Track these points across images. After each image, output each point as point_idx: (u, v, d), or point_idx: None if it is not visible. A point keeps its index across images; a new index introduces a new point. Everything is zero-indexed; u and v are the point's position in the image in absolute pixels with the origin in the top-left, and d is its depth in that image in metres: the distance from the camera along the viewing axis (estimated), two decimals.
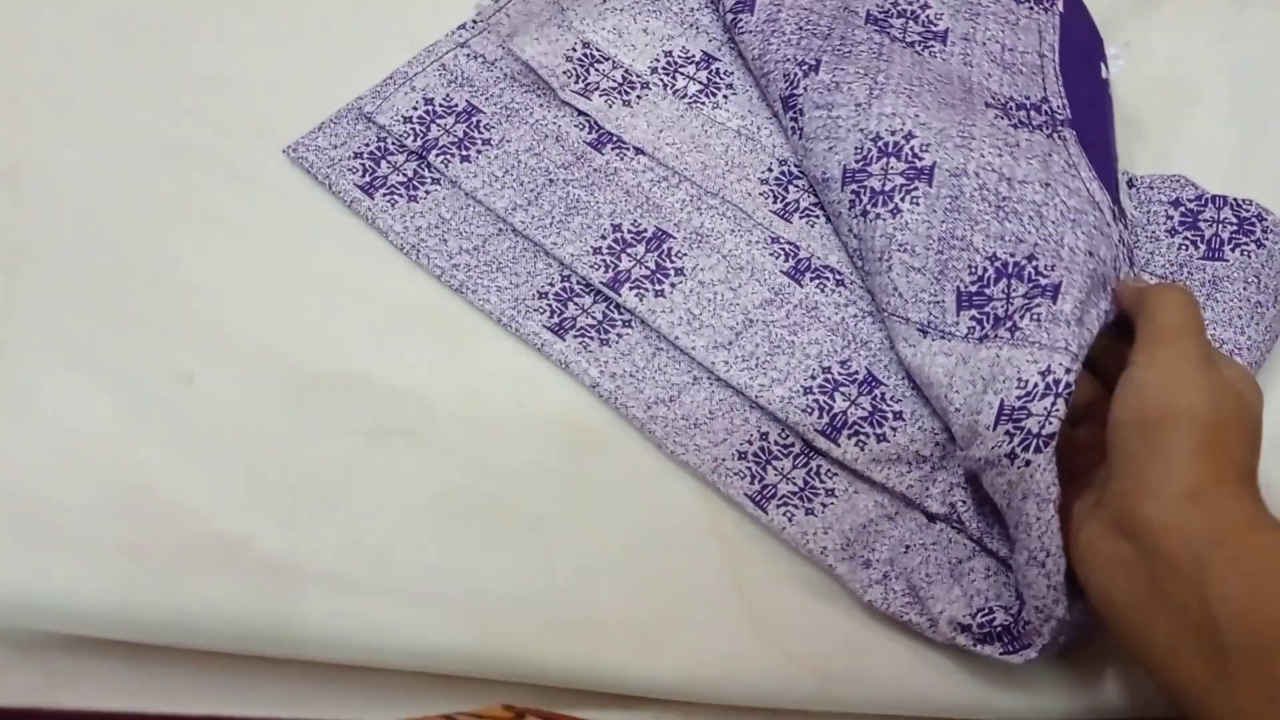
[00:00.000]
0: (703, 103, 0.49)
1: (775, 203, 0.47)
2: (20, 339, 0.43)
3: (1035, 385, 0.35)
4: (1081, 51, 0.49)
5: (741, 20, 0.49)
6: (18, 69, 0.51)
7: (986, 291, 0.39)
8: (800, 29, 0.47)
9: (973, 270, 0.40)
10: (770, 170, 0.47)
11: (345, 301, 0.45)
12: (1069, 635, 0.35)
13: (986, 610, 0.36)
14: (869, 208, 0.42)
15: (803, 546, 0.39)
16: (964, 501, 0.39)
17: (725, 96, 0.50)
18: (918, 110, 0.43)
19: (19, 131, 0.49)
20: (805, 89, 0.45)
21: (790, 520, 0.39)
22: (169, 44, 0.52)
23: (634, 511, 0.41)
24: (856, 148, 0.43)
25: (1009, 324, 0.38)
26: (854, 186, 0.43)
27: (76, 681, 0.38)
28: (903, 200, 0.42)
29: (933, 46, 0.48)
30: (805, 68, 0.46)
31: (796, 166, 0.48)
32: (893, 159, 0.42)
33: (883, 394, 0.42)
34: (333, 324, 0.44)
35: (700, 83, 0.50)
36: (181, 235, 0.46)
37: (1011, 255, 0.39)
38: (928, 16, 0.49)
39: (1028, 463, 0.34)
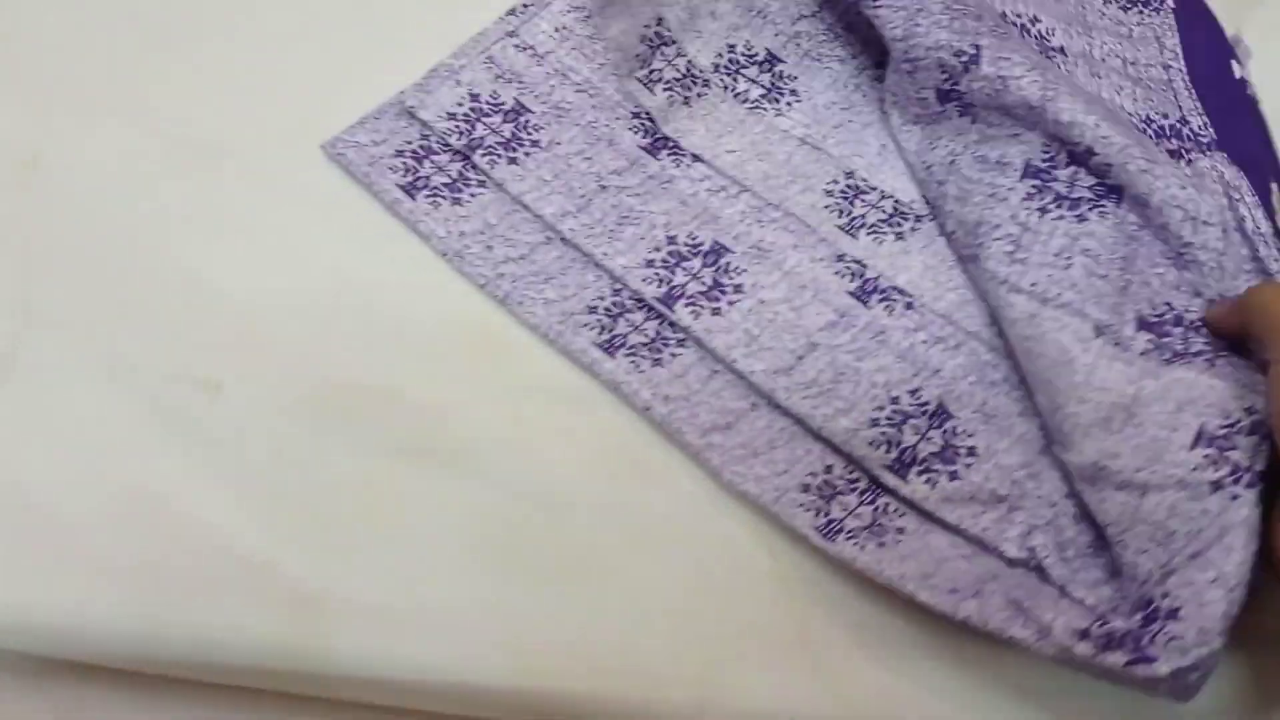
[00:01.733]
0: (764, 108, 0.47)
1: (841, 217, 0.44)
2: (36, 341, 0.41)
3: (1240, 420, 0.34)
4: (1206, 52, 0.46)
5: None
6: (44, 57, 0.48)
7: (1167, 329, 0.37)
8: (948, 8, 0.42)
9: (1153, 307, 0.37)
10: (836, 182, 0.45)
11: (381, 310, 0.42)
12: (1200, 675, 0.32)
13: (1100, 619, 0.33)
14: (1050, 206, 0.40)
15: (879, 575, 0.35)
16: (1044, 545, 0.36)
17: (789, 103, 0.47)
18: (1097, 120, 0.40)
19: (41, 121, 0.46)
20: (969, 85, 0.42)
21: (862, 550, 0.36)
22: (200, 36, 0.49)
23: (687, 548, 0.38)
24: (1044, 146, 0.41)
25: (1201, 357, 0.36)
26: (1036, 182, 0.40)
27: (85, 715, 0.35)
28: (1090, 212, 0.39)
29: (1054, 58, 0.45)
30: (964, 59, 0.42)
31: (863, 179, 0.45)
32: (1081, 170, 0.40)
33: (955, 427, 0.39)
34: (367, 334, 0.41)
35: (763, 87, 0.47)
36: (208, 236, 0.43)
37: (1187, 309, 0.37)
38: (1039, 30, 0.46)
39: (1235, 496, 0.32)
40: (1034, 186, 0.40)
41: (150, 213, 0.44)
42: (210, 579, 0.36)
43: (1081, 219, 0.39)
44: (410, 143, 0.44)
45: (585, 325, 0.41)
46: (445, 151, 0.44)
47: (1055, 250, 0.39)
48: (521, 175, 0.43)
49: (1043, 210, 0.40)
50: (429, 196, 0.43)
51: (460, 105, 0.45)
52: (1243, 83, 0.44)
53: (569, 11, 0.46)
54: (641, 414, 0.40)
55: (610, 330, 0.41)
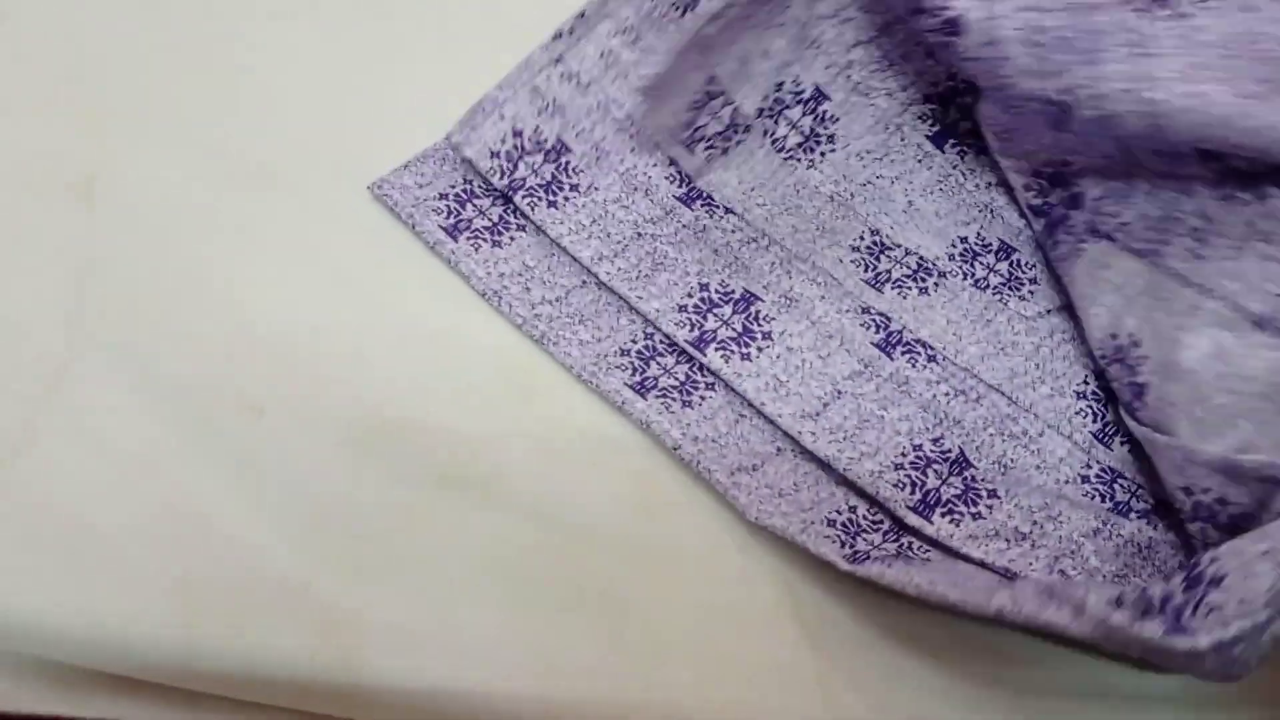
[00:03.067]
0: (798, 159, 0.48)
1: (866, 271, 0.45)
2: (84, 358, 0.42)
3: None
4: None
5: None
6: (99, 80, 0.50)
7: None
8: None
9: None
10: (862, 239, 0.46)
11: (421, 345, 0.43)
12: (1248, 651, 0.29)
13: (1135, 588, 0.32)
14: (1234, 193, 0.39)
15: (909, 584, 0.35)
16: (1074, 568, 0.37)
17: (823, 154, 0.48)
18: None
19: (96, 143, 0.48)
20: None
21: (889, 567, 0.36)
22: (258, 66, 0.51)
23: (710, 585, 0.39)
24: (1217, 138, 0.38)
25: None
26: (1218, 165, 0.39)
27: None
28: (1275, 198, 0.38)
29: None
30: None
31: (889, 237, 0.46)
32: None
33: (974, 475, 0.40)
34: (407, 367, 0.43)
35: (802, 134, 0.49)
36: (257, 263, 0.45)
37: None
38: None
39: None
40: (1217, 172, 0.39)
41: (201, 237, 0.45)
42: (247, 598, 0.37)
43: (1264, 197, 0.37)
44: (454, 186, 0.46)
45: (618, 367, 0.42)
46: (487, 195, 0.46)
47: (1233, 240, 0.38)
48: (560, 219, 0.45)
49: (1226, 197, 0.38)
50: (470, 239, 0.45)
51: (503, 143, 0.46)
52: None
53: (615, 35, 0.46)
54: (671, 453, 0.41)
55: (642, 372, 0.42)
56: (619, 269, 0.44)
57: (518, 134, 0.47)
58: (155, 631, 0.36)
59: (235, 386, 0.42)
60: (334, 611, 0.37)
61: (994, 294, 0.46)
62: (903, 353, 0.43)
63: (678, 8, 0.44)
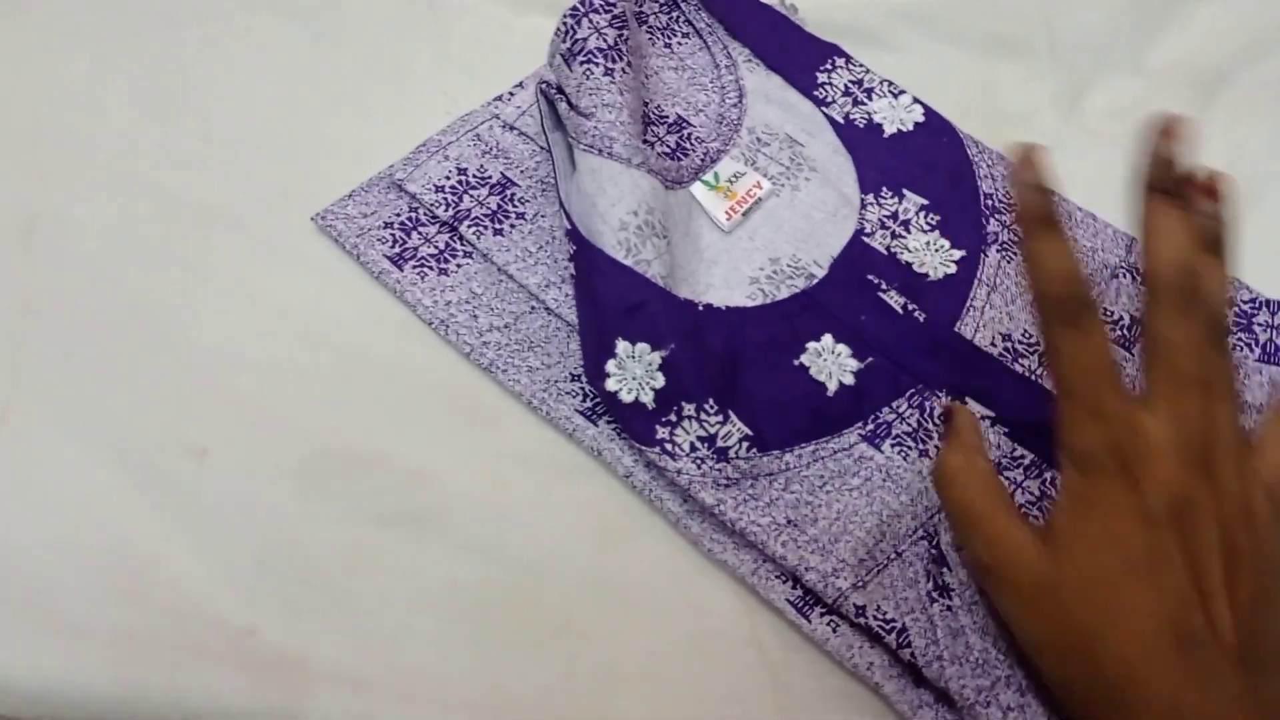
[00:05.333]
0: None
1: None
2: (25, 402, 0.41)
3: None
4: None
5: None
6: (41, 122, 0.49)
7: None
8: None
9: None
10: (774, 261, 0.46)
11: (368, 378, 0.43)
12: None
13: None
14: None
15: (847, 661, 0.36)
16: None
17: (806, 178, 0.48)
18: None
19: (39, 185, 0.47)
20: None
21: (834, 631, 0.36)
22: (197, 104, 0.50)
23: (666, 614, 0.38)
24: None
25: None
26: None
27: None
28: None
29: None
30: None
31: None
32: None
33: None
34: (354, 401, 0.42)
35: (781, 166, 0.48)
36: (200, 301, 0.44)
37: None
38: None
39: None
40: None
41: (143, 277, 0.45)
42: (191, 643, 0.36)
43: None
44: (399, 215, 0.46)
45: (568, 393, 0.41)
46: (433, 223, 0.45)
47: None
48: (507, 246, 0.44)
49: None
50: (416, 267, 0.44)
51: (448, 179, 0.46)
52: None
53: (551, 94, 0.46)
54: (623, 481, 0.40)
55: (593, 398, 0.41)
56: (566, 295, 0.43)
57: (462, 171, 0.46)
58: (97, 679, 0.36)
59: (178, 428, 0.41)
60: (278, 654, 0.36)
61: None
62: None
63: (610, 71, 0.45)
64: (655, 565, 0.39)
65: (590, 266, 0.41)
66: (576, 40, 0.45)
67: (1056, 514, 0.32)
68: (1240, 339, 0.43)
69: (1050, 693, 0.34)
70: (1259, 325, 0.43)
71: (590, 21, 0.45)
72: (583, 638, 0.37)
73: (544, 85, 0.45)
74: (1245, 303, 0.44)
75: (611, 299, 0.41)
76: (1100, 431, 0.32)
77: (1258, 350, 0.42)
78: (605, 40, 0.45)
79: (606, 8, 0.45)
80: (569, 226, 0.42)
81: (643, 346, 0.40)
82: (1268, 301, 0.44)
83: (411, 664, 0.37)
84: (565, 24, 0.45)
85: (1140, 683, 0.29)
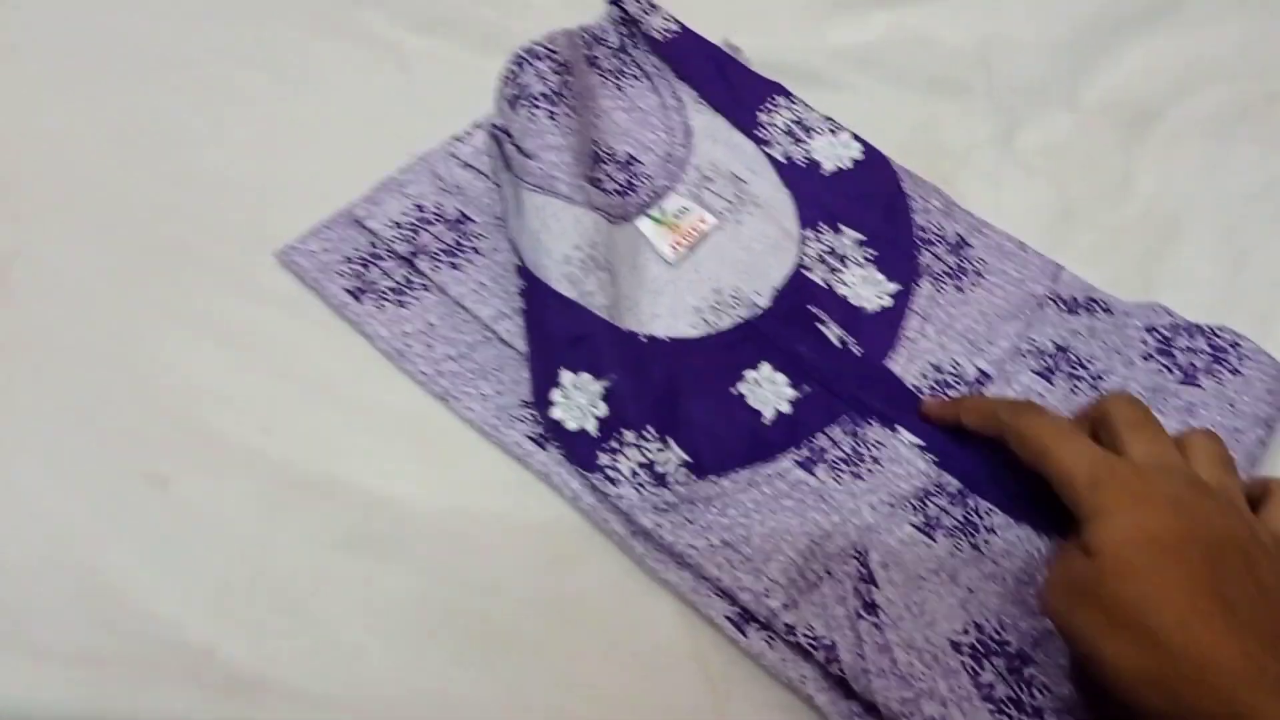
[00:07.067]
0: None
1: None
2: None
3: None
4: None
5: None
6: (16, 162, 0.51)
7: None
8: None
9: None
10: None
11: (329, 407, 0.44)
12: None
13: None
14: None
15: (782, 674, 0.38)
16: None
17: (750, 213, 0.49)
18: None
19: (13, 225, 0.49)
20: None
21: (770, 646, 0.38)
22: (168, 144, 0.52)
23: (613, 631, 0.39)
24: None
25: None
26: None
27: None
28: None
29: None
30: None
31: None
32: None
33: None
34: (315, 430, 0.44)
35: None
36: (168, 337, 0.46)
37: None
38: None
39: None
40: None
41: (114, 315, 0.46)
42: (153, 664, 0.38)
43: None
44: (359, 250, 0.47)
45: (519, 419, 0.43)
46: (391, 258, 0.47)
47: None
48: (462, 279, 0.46)
49: None
50: (374, 300, 0.46)
51: (406, 215, 0.48)
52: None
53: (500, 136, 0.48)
54: (570, 503, 0.42)
55: (543, 424, 0.43)
56: (519, 325, 0.45)
57: (420, 208, 0.48)
58: (61, 701, 0.37)
59: (142, 459, 0.42)
60: (238, 674, 0.38)
61: None
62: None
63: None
64: (603, 584, 0.41)
65: (537, 300, 0.43)
66: (521, 85, 0.47)
67: (1090, 537, 0.33)
68: (1161, 363, 0.45)
69: (967, 707, 0.36)
70: (1178, 350, 0.45)
71: (534, 68, 0.47)
72: (534, 655, 0.39)
73: (493, 128, 0.47)
74: (1165, 327, 0.45)
75: (557, 331, 0.42)
76: (1093, 451, 0.35)
77: (1178, 373, 0.44)
78: (549, 85, 0.47)
79: (549, 54, 0.48)
80: (518, 262, 0.44)
81: (586, 376, 0.42)
82: (1187, 326, 0.45)
83: (369, 682, 0.38)
84: (510, 70, 0.47)
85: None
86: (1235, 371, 0.44)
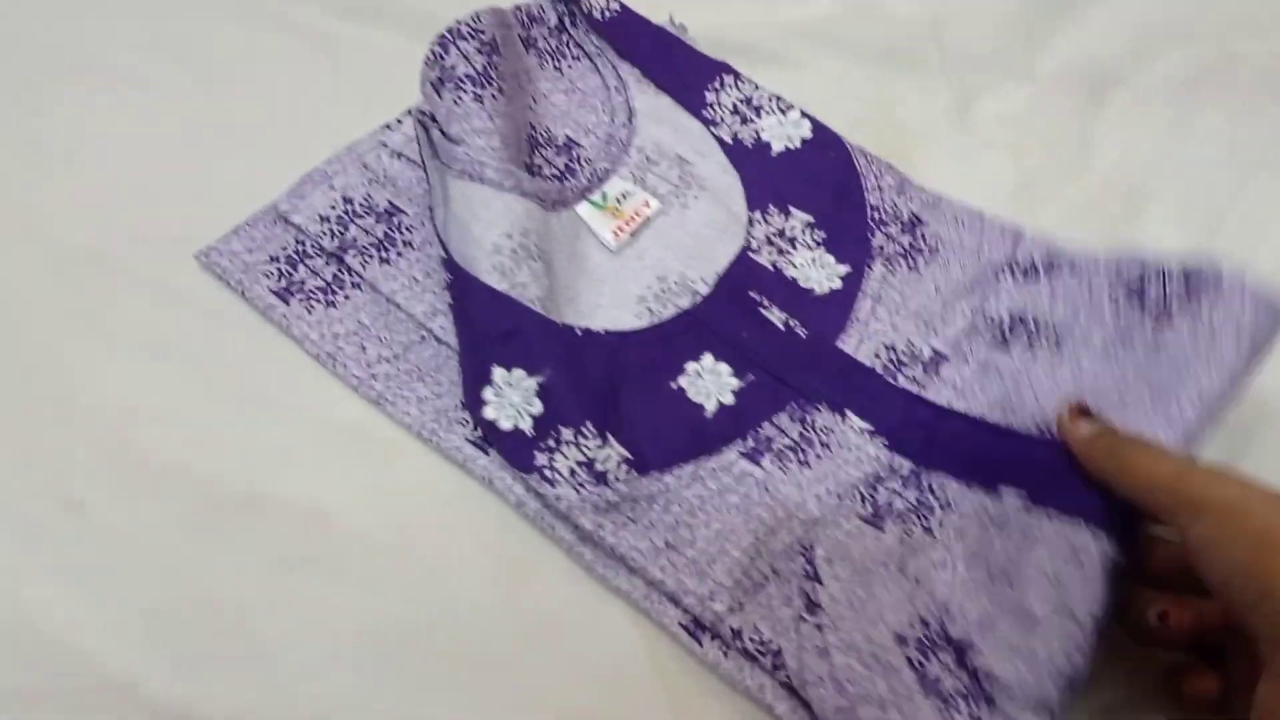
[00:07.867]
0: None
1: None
2: None
3: None
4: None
5: None
6: None
7: None
8: None
9: None
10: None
11: (257, 417, 0.42)
12: None
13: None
14: None
15: (739, 683, 0.35)
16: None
17: (696, 196, 0.47)
18: None
19: None
20: None
21: (725, 655, 0.36)
22: (86, 151, 0.50)
23: (569, 641, 0.37)
24: None
25: None
26: None
27: None
28: None
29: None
30: None
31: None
32: None
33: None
34: (243, 442, 0.41)
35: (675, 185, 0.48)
36: (83, 348, 0.43)
37: None
38: None
39: None
40: None
41: (29, 328, 0.44)
42: (74, 703, 0.35)
43: None
44: (285, 248, 0.45)
45: (458, 422, 0.41)
46: (320, 255, 0.45)
47: None
48: (393, 275, 0.44)
49: None
50: (303, 301, 0.43)
51: (334, 208, 0.45)
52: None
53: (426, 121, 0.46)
54: (515, 510, 0.39)
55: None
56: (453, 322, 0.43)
57: (348, 200, 0.46)
58: None
59: (54, 482, 0.40)
60: (165, 708, 0.35)
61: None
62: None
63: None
64: (556, 593, 0.38)
65: (465, 294, 0.41)
66: (445, 68, 0.44)
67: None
68: (1131, 311, 0.41)
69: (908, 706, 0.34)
70: (1150, 295, 0.41)
71: (458, 49, 0.45)
72: (487, 671, 0.37)
73: (419, 113, 0.45)
74: (1135, 279, 0.42)
75: (486, 326, 0.40)
76: None
77: (1149, 317, 0.41)
78: (474, 67, 0.44)
79: (474, 34, 0.45)
80: (444, 255, 0.41)
81: (519, 373, 0.39)
82: (1161, 270, 0.42)
83: (309, 709, 0.36)
84: (434, 52, 0.45)
85: None
86: (1214, 305, 0.40)
